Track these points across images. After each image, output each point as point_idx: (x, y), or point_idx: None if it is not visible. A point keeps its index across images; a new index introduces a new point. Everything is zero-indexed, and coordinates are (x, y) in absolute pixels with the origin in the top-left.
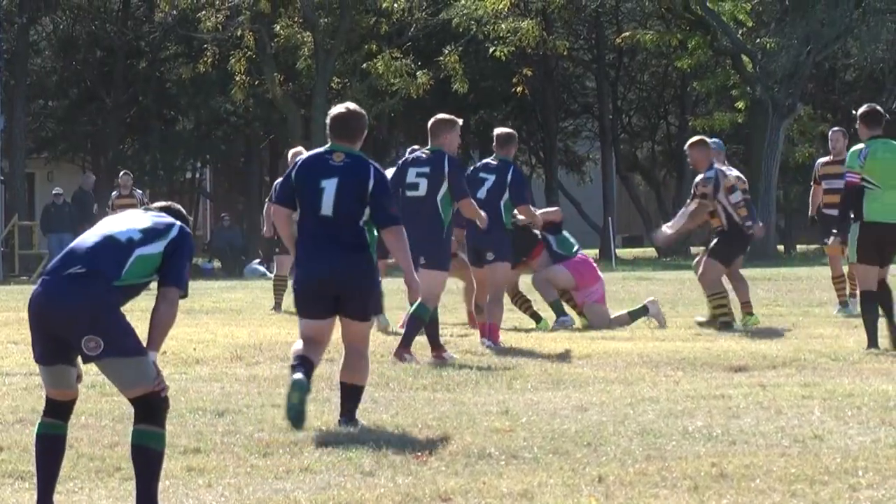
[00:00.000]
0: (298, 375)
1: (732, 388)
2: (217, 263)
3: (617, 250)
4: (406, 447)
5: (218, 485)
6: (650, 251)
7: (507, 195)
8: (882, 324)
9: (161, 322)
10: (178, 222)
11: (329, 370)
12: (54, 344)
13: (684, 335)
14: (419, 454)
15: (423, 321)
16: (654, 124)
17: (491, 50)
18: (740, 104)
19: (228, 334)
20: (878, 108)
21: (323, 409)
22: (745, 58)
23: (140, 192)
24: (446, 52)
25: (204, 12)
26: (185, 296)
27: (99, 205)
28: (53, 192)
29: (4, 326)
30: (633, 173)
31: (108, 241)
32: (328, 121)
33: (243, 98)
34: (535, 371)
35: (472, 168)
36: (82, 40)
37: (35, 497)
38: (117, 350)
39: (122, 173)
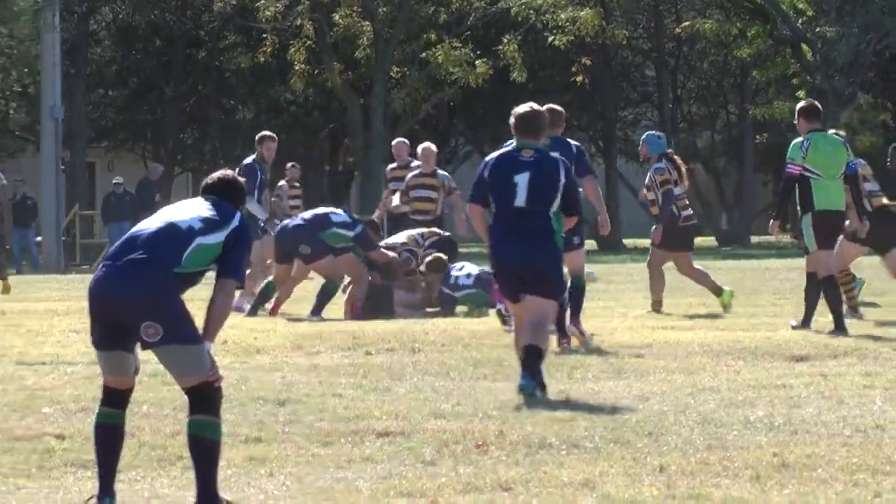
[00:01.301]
0: (522, 382)
1: (794, 377)
2: None
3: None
4: (467, 436)
5: (279, 474)
6: (710, 240)
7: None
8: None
9: (218, 313)
10: (238, 213)
11: (389, 360)
12: (113, 329)
13: (745, 324)
14: (480, 443)
15: (583, 292)
16: (714, 113)
17: (550, 39)
18: (801, 93)
19: (289, 324)
20: (816, 102)
21: (384, 399)
22: (804, 46)
23: (297, 183)
24: (505, 41)
25: (263, 1)
26: (241, 287)
27: (160, 193)
28: (114, 181)
29: (66, 315)
30: (693, 162)
31: (170, 229)
32: (513, 119)
33: (303, 87)
34: (596, 360)
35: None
36: (142, 30)
37: (97, 485)
38: (176, 337)
39: (289, 165)
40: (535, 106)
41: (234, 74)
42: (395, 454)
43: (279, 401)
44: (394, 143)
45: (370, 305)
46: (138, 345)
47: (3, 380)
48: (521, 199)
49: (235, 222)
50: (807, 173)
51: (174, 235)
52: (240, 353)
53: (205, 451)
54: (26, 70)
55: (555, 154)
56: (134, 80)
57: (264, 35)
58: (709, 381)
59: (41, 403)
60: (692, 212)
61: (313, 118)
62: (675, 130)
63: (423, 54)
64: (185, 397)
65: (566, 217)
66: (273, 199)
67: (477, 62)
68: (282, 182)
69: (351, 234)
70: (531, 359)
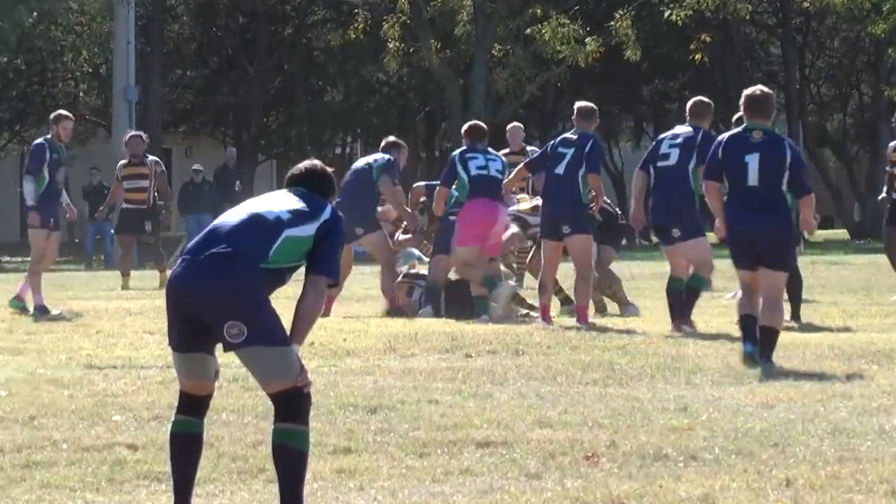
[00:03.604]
0: (748, 349)
1: None
2: None
3: (805, 232)
4: (575, 447)
5: (370, 488)
6: (841, 233)
7: (584, 168)
8: None
9: (307, 313)
10: (329, 205)
11: (490, 364)
12: (193, 329)
13: (879, 325)
14: (589, 455)
15: (699, 291)
16: (846, 94)
17: (666, 14)
18: None
19: (381, 324)
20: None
21: (484, 406)
22: None
23: None
24: (618, 16)
25: None
26: (335, 284)
27: (242, 182)
28: (193, 168)
29: (139, 315)
30: (823, 148)
31: (256, 220)
32: (743, 100)
33: (397, 67)
34: (716, 364)
35: (550, 143)
36: (223, 5)
37: (172, 500)
38: (261, 338)
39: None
40: (765, 89)
41: (322, 53)
42: (496, 466)
43: (370, 408)
44: (509, 127)
45: (453, 302)
46: (218, 346)
47: (71, 385)
48: (752, 179)
49: (326, 214)
50: None
51: (261, 227)
52: (328, 355)
53: (291, 462)
54: (98, 49)
55: (782, 136)
56: (214, 60)
57: (356, 10)
58: (840, 387)
59: (112, 411)
60: None
61: (408, 100)
62: (802, 113)
63: (528, 31)
64: (269, 405)
65: (797, 199)
66: None
67: (587, 39)
68: None
69: None
70: (768, 338)
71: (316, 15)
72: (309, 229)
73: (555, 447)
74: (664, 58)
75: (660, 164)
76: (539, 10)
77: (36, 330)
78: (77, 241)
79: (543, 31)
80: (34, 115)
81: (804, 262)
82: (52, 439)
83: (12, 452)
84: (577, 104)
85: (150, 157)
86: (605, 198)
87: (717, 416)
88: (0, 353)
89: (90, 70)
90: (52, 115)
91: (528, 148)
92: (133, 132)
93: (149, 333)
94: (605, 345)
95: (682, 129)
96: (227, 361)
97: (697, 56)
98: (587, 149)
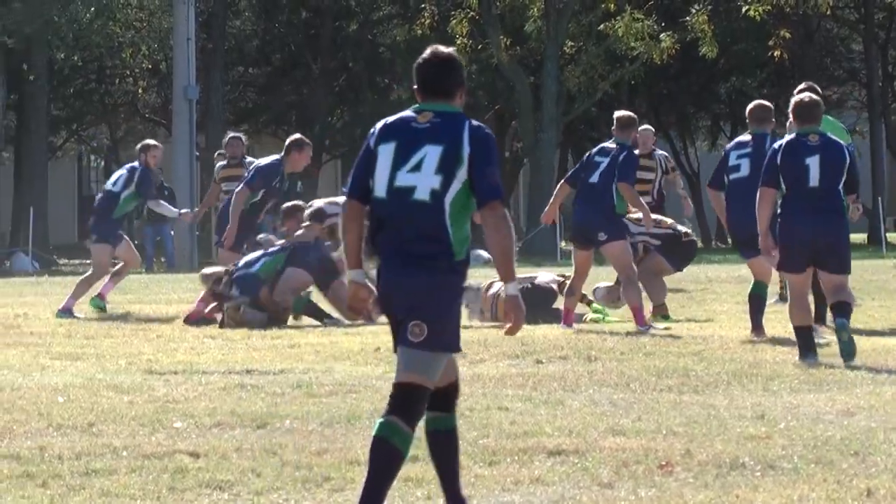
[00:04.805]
0: (810, 359)
1: None
2: None
3: (887, 234)
4: (649, 456)
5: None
6: None
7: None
8: None
9: (502, 247)
10: (465, 118)
11: (562, 370)
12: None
13: None
14: (664, 464)
15: (763, 299)
16: None
17: (744, 9)
18: None
19: None
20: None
21: (556, 413)
22: None
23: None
24: (694, 11)
25: None
26: (504, 203)
27: (304, 182)
28: None
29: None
30: None
31: (419, 209)
32: (793, 108)
33: (465, 64)
34: (795, 370)
35: (588, 153)
36: (286, 0)
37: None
38: (437, 345)
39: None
40: (813, 95)
41: (388, 49)
42: (568, 475)
43: None
44: (640, 130)
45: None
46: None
47: (131, 390)
48: (814, 181)
49: (465, 140)
50: None
51: (428, 212)
52: (391, 361)
53: (389, 457)
54: (157, 45)
55: (839, 139)
56: (277, 57)
57: (423, 5)
58: None
59: (173, 417)
60: None
61: (477, 98)
62: (885, 112)
63: (601, 27)
64: (334, 412)
65: (847, 194)
66: None
67: (661, 35)
68: None
69: None
70: (842, 309)
71: (381, 10)
72: (461, 174)
73: (628, 456)
74: (741, 55)
75: (732, 176)
76: (612, 6)
77: (95, 334)
78: (137, 242)
79: (617, 27)
80: (92, 114)
81: (886, 265)
82: (112, 446)
83: (71, 460)
84: (616, 114)
85: (250, 159)
86: (666, 219)
87: (796, 424)
88: (59, 358)
89: (149, 67)
90: (139, 144)
91: (658, 153)
92: (232, 133)
93: (210, 338)
94: (679, 351)
95: (748, 138)
96: (290, 367)
97: (776, 53)
98: (620, 158)
